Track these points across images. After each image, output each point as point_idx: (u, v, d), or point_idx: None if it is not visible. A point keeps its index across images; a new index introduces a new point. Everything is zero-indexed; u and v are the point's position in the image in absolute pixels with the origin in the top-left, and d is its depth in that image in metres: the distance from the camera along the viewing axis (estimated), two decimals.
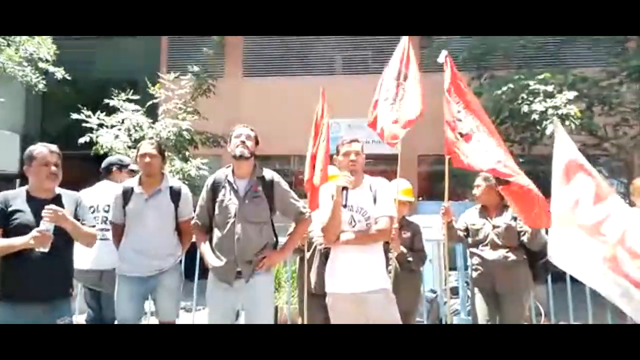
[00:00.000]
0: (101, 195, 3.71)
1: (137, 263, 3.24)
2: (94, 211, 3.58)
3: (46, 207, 2.67)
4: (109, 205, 3.52)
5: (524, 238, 3.56)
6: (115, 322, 3.35)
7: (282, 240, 3.23)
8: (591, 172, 2.79)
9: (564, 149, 2.90)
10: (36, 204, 2.77)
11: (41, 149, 2.85)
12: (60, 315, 2.79)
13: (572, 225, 2.67)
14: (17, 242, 2.66)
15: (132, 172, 3.93)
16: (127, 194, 3.33)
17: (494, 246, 3.61)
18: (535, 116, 6.78)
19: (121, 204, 3.33)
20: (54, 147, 2.90)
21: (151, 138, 7.04)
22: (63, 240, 2.79)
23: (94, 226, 3.03)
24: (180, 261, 3.53)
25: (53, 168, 2.82)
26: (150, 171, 3.32)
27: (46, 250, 2.64)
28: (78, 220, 2.88)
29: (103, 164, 4.00)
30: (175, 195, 3.36)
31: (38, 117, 11.55)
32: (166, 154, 3.65)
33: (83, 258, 3.35)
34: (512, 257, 3.58)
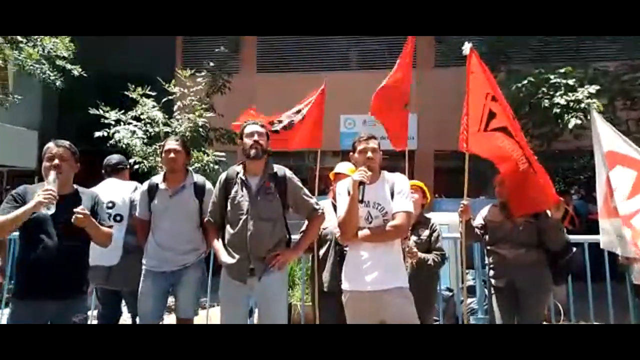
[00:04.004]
0: (111, 192, 3.67)
1: (162, 258, 3.29)
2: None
3: (78, 209, 2.66)
4: (112, 202, 3.54)
5: (545, 237, 3.47)
6: (137, 318, 3.36)
7: (294, 237, 3.20)
8: (634, 164, 2.70)
9: (602, 141, 2.82)
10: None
11: (50, 144, 2.86)
12: (75, 313, 2.79)
13: (613, 215, 2.62)
14: (22, 210, 2.62)
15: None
16: (152, 191, 3.39)
17: (514, 244, 3.51)
18: (556, 109, 6.64)
19: (147, 200, 3.38)
20: (63, 142, 2.87)
21: (176, 134, 7.14)
22: (77, 238, 2.78)
23: (111, 226, 3.03)
24: (206, 257, 3.54)
25: (55, 161, 2.79)
26: (174, 167, 3.36)
27: (52, 211, 2.60)
28: (95, 218, 2.88)
29: (112, 161, 3.94)
30: (199, 191, 3.38)
31: (55, 114, 11.69)
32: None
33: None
34: (532, 255, 3.48)
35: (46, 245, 2.68)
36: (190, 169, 3.56)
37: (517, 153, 3.45)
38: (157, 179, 3.44)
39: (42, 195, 2.57)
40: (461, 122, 3.64)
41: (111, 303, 3.71)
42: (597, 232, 3.48)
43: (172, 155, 3.34)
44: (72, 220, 2.64)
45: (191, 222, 3.34)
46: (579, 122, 6.51)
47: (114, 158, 3.99)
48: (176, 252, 3.29)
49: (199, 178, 3.49)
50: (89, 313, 4.68)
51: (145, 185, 3.45)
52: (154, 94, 7.75)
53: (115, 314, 3.77)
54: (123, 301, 3.84)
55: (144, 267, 3.33)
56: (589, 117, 6.38)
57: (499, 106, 3.51)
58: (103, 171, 3.95)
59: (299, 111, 4.29)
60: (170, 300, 3.46)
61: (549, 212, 3.46)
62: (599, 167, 2.83)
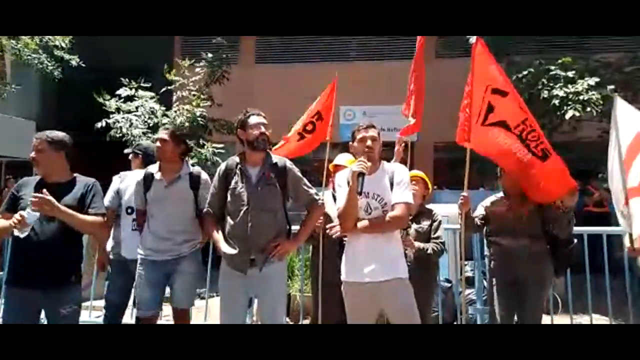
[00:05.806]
0: None
1: (157, 248, 3.29)
2: None
3: (33, 194, 2.67)
4: None
5: (552, 226, 3.43)
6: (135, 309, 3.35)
7: (294, 228, 3.19)
8: None
9: (630, 123, 2.73)
10: (45, 189, 2.77)
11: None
12: (64, 304, 2.78)
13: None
14: (3, 224, 2.73)
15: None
16: (147, 181, 3.37)
17: (517, 235, 3.48)
18: (555, 101, 6.62)
19: (142, 191, 3.38)
20: (42, 134, 2.93)
21: (165, 123, 7.09)
22: (62, 228, 2.78)
23: (103, 214, 2.99)
24: (203, 248, 3.54)
25: (31, 154, 2.88)
26: (161, 156, 3.36)
27: (22, 235, 2.64)
28: (84, 206, 2.86)
29: (150, 150, 3.82)
30: (194, 181, 3.38)
31: (53, 104, 11.65)
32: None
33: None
34: (535, 246, 3.45)
35: (34, 234, 2.70)
36: (187, 159, 3.54)
37: (516, 146, 3.36)
38: (153, 168, 3.43)
39: (14, 220, 2.63)
40: (461, 113, 3.57)
41: (123, 292, 3.70)
42: (592, 224, 3.46)
43: (158, 144, 3.35)
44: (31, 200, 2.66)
45: (186, 213, 3.34)
46: (576, 114, 6.49)
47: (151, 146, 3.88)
48: (171, 242, 3.30)
49: (194, 169, 3.48)
50: (89, 303, 4.72)
51: (141, 174, 3.45)
52: (149, 85, 7.71)
53: (125, 301, 3.75)
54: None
55: (139, 255, 3.34)
56: (587, 110, 6.41)
57: (500, 98, 3.40)
58: (141, 157, 3.84)
59: (318, 113, 4.34)
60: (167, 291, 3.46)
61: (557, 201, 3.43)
62: (617, 151, 2.71)
